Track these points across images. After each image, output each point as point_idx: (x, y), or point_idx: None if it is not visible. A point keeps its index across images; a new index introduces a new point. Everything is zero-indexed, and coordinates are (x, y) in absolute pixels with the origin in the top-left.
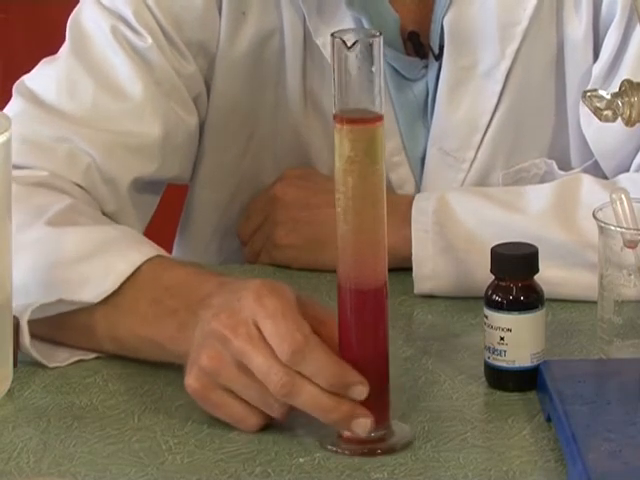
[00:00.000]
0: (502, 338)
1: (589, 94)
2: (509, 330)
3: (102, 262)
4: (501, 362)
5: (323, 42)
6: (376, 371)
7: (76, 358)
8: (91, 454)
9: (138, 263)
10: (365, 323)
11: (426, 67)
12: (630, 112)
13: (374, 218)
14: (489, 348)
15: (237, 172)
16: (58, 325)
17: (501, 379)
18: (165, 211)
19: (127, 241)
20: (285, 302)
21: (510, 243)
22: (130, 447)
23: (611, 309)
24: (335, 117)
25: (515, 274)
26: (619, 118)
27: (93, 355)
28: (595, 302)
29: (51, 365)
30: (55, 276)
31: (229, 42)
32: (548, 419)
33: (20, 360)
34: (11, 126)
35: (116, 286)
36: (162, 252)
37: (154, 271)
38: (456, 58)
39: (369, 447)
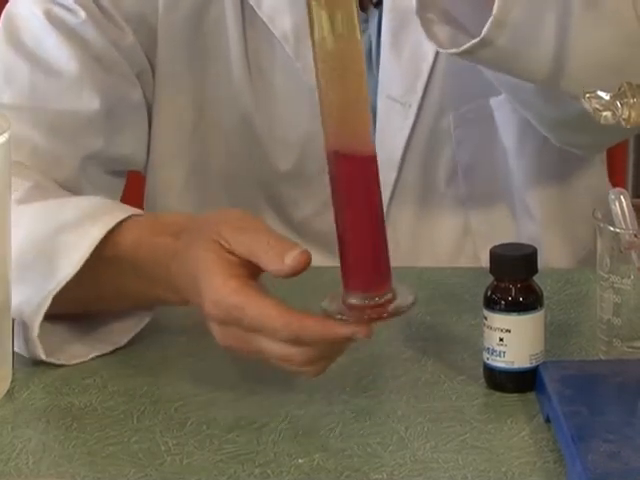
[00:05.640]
0: (501, 339)
1: (588, 95)
2: (508, 331)
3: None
4: (500, 363)
5: (257, 2)
6: (373, 234)
7: (76, 360)
8: (90, 455)
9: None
10: (358, 188)
11: (366, 21)
12: (630, 113)
13: (358, 85)
14: (488, 349)
15: (189, 152)
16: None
17: (500, 380)
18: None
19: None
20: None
21: (510, 244)
22: (129, 448)
23: (610, 310)
24: None
25: (514, 275)
26: (618, 119)
27: (92, 355)
28: (594, 305)
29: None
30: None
31: (168, 11)
32: (547, 420)
33: (19, 361)
34: (11, 126)
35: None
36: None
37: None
38: (395, 0)
39: (375, 311)
